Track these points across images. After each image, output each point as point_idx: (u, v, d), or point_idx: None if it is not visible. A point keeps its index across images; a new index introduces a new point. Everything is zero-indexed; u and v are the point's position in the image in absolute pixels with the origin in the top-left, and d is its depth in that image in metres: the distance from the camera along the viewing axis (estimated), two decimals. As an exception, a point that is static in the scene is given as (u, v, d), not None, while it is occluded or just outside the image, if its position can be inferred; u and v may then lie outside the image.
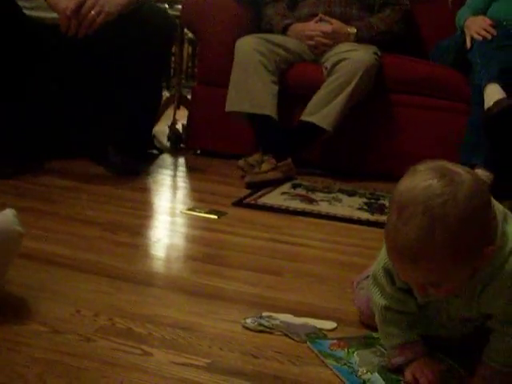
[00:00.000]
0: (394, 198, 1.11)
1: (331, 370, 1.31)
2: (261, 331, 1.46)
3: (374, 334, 1.44)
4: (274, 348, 1.39)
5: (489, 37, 2.88)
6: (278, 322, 1.50)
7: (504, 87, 2.70)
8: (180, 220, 2.35)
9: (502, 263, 1.16)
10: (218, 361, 1.32)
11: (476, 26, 2.95)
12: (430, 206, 1.06)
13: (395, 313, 1.29)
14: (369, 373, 1.29)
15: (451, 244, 1.06)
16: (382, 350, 1.38)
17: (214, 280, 1.76)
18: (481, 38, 2.90)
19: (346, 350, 1.38)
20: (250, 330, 1.46)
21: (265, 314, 1.54)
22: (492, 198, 1.14)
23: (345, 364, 1.32)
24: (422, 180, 1.09)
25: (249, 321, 1.49)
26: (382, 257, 1.27)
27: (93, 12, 2.54)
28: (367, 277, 1.52)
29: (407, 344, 1.29)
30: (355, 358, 1.35)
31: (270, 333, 1.46)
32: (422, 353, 1.29)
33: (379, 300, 1.30)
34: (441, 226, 1.05)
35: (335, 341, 1.41)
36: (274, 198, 2.66)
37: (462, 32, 3.04)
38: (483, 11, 3.14)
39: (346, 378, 1.28)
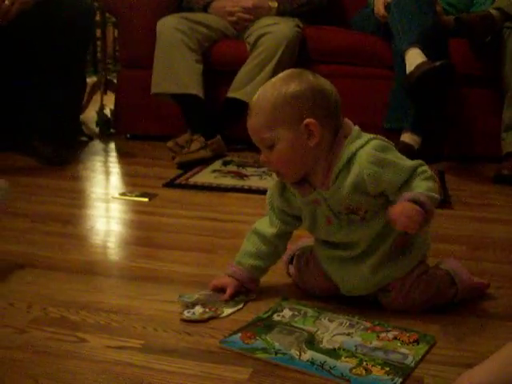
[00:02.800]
0: None
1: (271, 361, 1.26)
2: (207, 319, 1.43)
3: (261, 315, 1.44)
4: (209, 325, 1.41)
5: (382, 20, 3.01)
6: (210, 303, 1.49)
7: (424, 50, 2.75)
8: (112, 205, 2.34)
9: (351, 156, 1.38)
10: (152, 341, 1.33)
11: (378, 5, 3.02)
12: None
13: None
14: (302, 353, 1.28)
15: (274, 102, 1.40)
16: (284, 327, 1.38)
17: (148, 262, 1.77)
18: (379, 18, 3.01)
19: (258, 338, 1.33)
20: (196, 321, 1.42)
21: (181, 296, 1.53)
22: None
23: (276, 353, 1.28)
24: None
25: (186, 313, 1.45)
26: None
27: (6, 2, 2.49)
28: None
29: None
30: (275, 343, 1.31)
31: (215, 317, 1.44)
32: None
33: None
34: (277, 92, 1.40)
35: (240, 334, 1.35)
36: (205, 176, 2.67)
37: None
38: None
39: (292, 365, 1.24)
